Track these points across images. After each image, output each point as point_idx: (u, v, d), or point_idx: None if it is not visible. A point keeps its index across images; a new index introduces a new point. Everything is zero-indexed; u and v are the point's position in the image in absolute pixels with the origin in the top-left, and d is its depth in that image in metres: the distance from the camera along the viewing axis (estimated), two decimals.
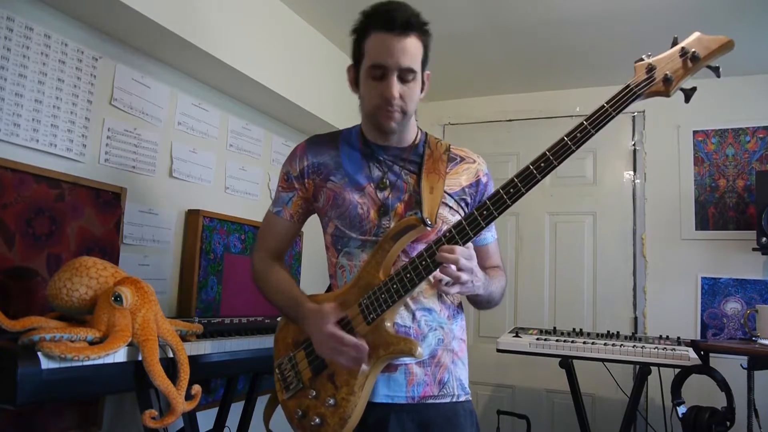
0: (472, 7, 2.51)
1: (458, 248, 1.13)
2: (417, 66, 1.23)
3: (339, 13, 2.59)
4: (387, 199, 1.29)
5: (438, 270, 1.15)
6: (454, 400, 1.28)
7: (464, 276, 1.13)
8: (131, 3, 1.74)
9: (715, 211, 3.06)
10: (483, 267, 1.32)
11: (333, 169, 1.34)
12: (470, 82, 3.41)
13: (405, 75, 1.22)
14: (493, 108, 3.59)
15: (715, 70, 1.11)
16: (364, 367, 1.19)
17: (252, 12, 2.33)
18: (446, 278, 1.15)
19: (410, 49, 1.20)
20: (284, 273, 1.40)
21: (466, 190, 1.34)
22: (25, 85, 1.70)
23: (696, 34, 1.10)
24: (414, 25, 1.21)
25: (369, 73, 1.23)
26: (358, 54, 1.27)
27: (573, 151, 1.10)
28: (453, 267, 1.11)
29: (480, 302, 1.32)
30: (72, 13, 1.81)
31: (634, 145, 3.29)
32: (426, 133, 1.39)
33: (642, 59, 1.12)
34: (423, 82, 1.29)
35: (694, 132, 3.13)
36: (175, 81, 2.25)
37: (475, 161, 1.39)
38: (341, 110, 2.95)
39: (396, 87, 1.21)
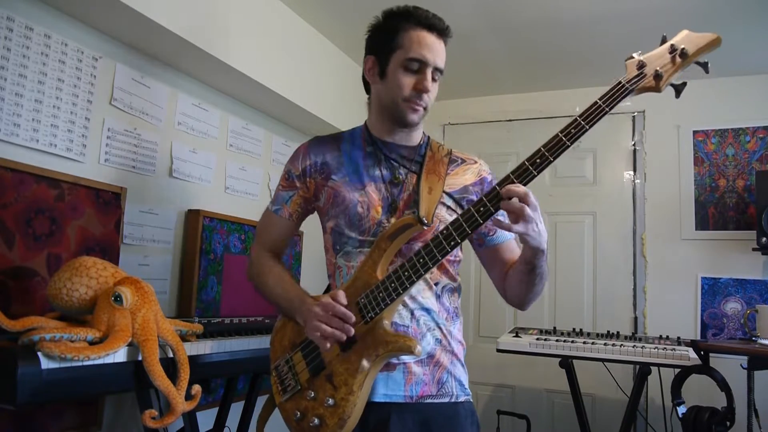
0: (473, 7, 2.51)
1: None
2: (443, 67, 1.30)
3: (340, 13, 2.59)
4: (395, 197, 1.30)
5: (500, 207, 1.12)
6: (453, 400, 1.28)
7: (528, 210, 1.08)
8: (131, 3, 1.74)
9: (715, 211, 3.06)
10: (511, 262, 1.33)
11: (335, 168, 1.35)
12: (470, 82, 3.41)
13: (435, 75, 1.29)
14: (493, 108, 3.59)
15: (704, 66, 1.13)
16: (363, 364, 1.18)
17: (252, 12, 2.33)
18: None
19: (444, 52, 1.30)
20: (283, 270, 1.40)
21: (470, 188, 1.35)
22: (25, 85, 1.70)
23: (684, 32, 1.13)
24: (449, 33, 1.31)
25: (404, 64, 1.27)
26: (388, 45, 1.29)
27: (567, 147, 1.10)
28: (517, 201, 1.09)
29: (537, 269, 1.22)
30: (72, 13, 1.81)
31: (634, 145, 3.29)
32: (428, 137, 1.42)
33: (632, 57, 1.14)
34: None
35: (694, 132, 3.13)
36: (175, 81, 2.25)
37: (476, 162, 1.41)
38: (341, 110, 2.95)
39: (430, 81, 1.27)
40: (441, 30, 1.28)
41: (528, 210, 1.08)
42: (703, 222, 3.07)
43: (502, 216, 1.16)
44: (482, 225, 1.14)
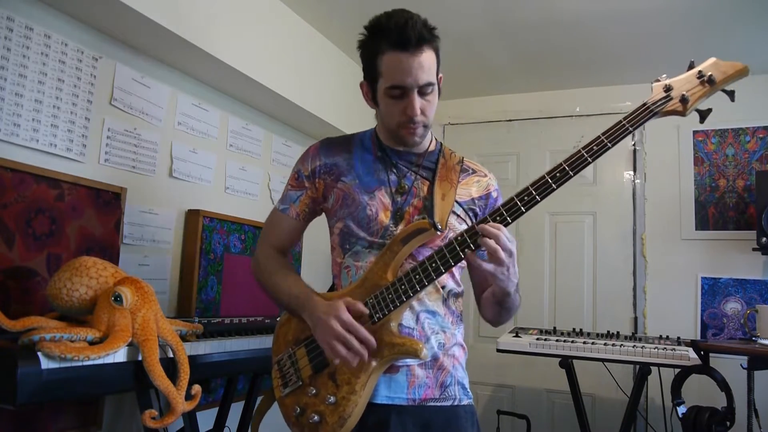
0: (473, 8, 2.51)
1: (501, 227, 1.13)
2: (434, 77, 1.25)
3: (339, 13, 2.60)
4: (401, 204, 1.30)
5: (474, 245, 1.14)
6: (455, 403, 1.28)
7: (502, 254, 1.11)
8: (131, 3, 1.74)
9: (715, 211, 3.06)
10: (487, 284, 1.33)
11: (345, 170, 1.35)
12: (470, 82, 3.41)
13: (424, 89, 1.23)
14: (493, 108, 3.59)
15: (730, 94, 1.17)
16: (367, 365, 1.18)
17: (252, 12, 2.33)
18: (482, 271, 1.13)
19: (426, 63, 1.21)
20: (289, 267, 1.41)
21: (476, 201, 1.36)
22: (25, 85, 1.70)
23: (712, 59, 1.16)
24: (427, 38, 1.21)
25: (388, 92, 1.24)
26: (372, 72, 1.27)
27: (589, 163, 1.14)
28: (492, 242, 1.10)
29: (505, 305, 1.27)
30: (72, 13, 1.81)
31: (634, 145, 3.29)
32: (441, 143, 1.42)
33: (659, 80, 1.17)
34: (439, 88, 1.30)
35: (694, 132, 3.13)
36: (175, 81, 2.25)
37: (486, 175, 1.42)
38: (341, 110, 2.95)
39: (417, 104, 1.23)
40: (417, 41, 1.18)
41: (501, 253, 1.11)
42: (703, 222, 3.07)
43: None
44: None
